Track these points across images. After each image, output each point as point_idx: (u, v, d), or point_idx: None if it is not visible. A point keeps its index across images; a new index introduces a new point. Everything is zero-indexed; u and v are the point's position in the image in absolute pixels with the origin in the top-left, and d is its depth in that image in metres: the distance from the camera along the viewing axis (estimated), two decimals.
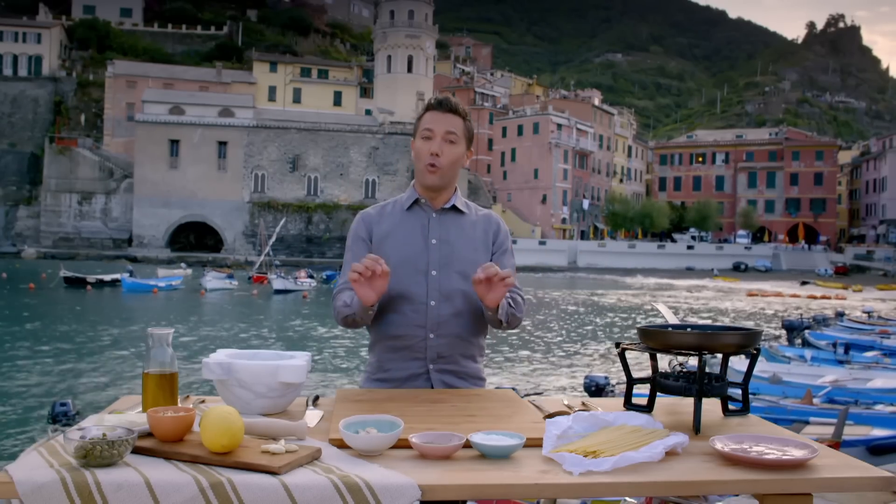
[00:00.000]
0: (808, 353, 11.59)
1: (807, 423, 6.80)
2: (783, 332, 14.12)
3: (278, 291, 33.57)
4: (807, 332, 13.80)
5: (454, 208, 2.30)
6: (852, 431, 6.56)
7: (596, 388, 7.39)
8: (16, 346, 16.44)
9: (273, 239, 46.80)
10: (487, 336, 2.35)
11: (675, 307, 29.64)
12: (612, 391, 7.61)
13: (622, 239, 72.37)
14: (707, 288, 45.55)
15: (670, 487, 1.36)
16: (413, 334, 2.19)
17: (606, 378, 7.66)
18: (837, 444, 5.63)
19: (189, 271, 39.87)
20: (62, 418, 5.14)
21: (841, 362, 10.87)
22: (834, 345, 11.84)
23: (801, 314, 16.00)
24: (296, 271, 39.83)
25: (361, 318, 2.16)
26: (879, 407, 7.72)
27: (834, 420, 6.36)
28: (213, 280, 35.35)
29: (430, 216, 2.27)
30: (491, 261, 2.27)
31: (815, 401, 7.74)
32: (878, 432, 6.79)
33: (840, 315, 19.36)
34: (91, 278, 34.63)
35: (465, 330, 2.22)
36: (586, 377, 7.76)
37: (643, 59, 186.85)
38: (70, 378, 13.05)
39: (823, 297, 37.94)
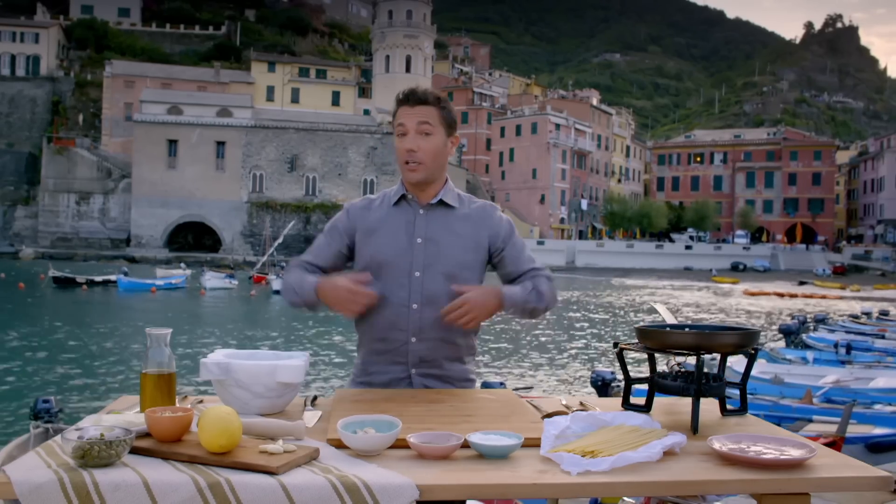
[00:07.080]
0: (809, 354, 11.58)
1: (810, 420, 6.82)
2: (781, 334, 14.08)
3: (277, 292, 33.95)
4: (804, 335, 13.74)
5: (442, 203, 2.17)
6: (853, 430, 6.56)
7: (602, 383, 7.48)
8: (7, 347, 16.38)
9: (280, 240, 46.87)
10: (479, 334, 2.27)
11: (673, 307, 29.66)
12: (618, 386, 7.67)
13: (620, 239, 72.34)
14: (705, 288, 45.56)
15: (668, 487, 1.36)
16: (395, 338, 2.12)
17: (612, 373, 7.73)
18: (842, 439, 5.63)
19: (188, 272, 39.84)
20: (44, 415, 5.14)
21: (843, 363, 10.85)
22: (836, 345, 11.85)
23: (800, 318, 15.97)
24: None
25: (308, 311, 2.17)
26: (878, 406, 7.71)
27: (835, 418, 6.36)
28: (212, 279, 35.70)
29: (417, 213, 2.16)
30: (503, 261, 2.20)
31: (815, 400, 7.74)
32: (879, 431, 6.81)
33: (854, 318, 19.55)
34: (81, 278, 34.49)
35: (450, 333, 2.11)
36: (593, 372, 7.84)
37: (641, 59, 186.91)
38: (65, 379, 13.01)
39: (811, 296, 37.96)
